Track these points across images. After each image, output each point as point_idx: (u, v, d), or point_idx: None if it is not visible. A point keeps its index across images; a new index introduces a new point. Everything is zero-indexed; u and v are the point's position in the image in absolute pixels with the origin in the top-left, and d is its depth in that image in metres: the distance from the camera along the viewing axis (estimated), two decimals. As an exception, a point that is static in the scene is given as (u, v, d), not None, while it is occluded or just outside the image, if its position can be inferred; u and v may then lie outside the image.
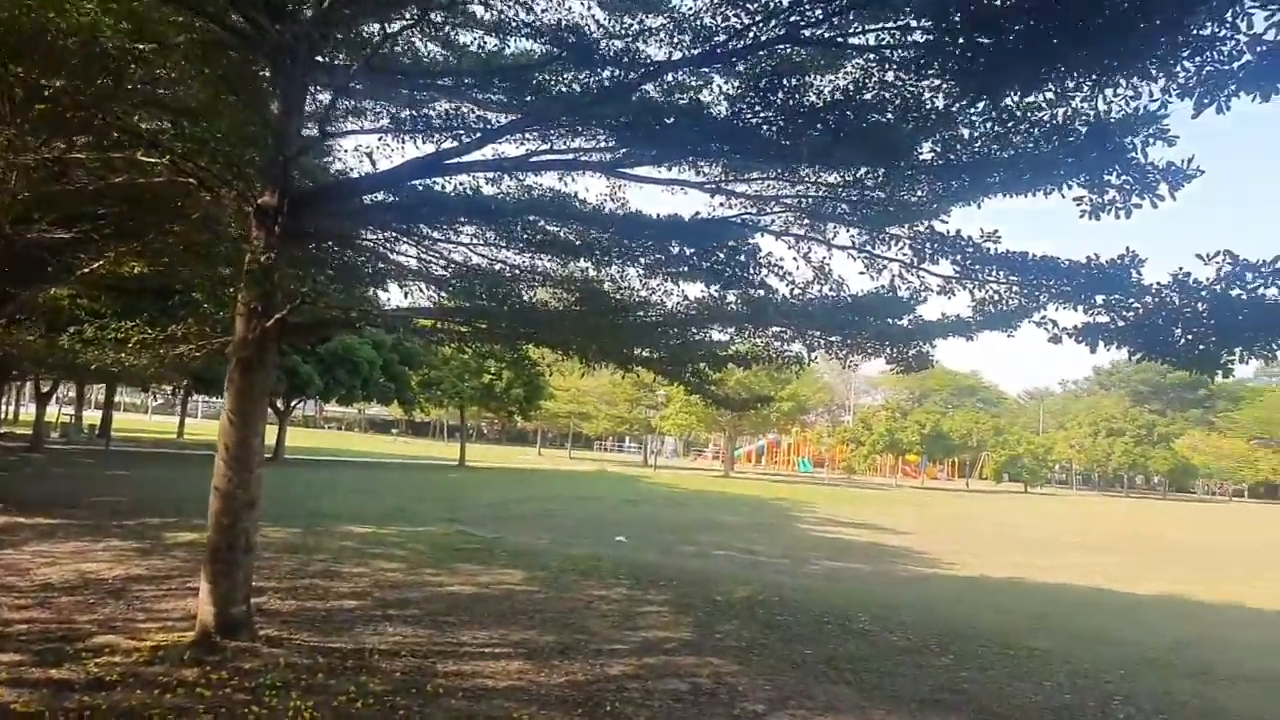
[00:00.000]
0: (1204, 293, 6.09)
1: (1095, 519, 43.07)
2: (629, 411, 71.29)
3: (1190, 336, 6.32)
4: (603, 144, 8.92)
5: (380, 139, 9.26)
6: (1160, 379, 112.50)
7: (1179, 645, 11.03)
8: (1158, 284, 6.95)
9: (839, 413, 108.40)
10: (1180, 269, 6.86)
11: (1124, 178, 6.30)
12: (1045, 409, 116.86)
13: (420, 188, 9.43)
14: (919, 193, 8.57)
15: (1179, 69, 5.30)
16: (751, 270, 8.70)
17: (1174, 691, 8.50)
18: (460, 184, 9.49)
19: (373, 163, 9.34)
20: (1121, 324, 6.80)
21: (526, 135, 8.86)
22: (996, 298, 8.00)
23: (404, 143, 9.11)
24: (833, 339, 10.04)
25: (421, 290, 11.14)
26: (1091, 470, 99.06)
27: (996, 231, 7.57)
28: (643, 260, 9.55)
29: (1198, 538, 33.90)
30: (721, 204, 9.23)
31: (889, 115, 7.57)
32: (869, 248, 8.80)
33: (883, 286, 8.85)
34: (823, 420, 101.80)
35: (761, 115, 7.83)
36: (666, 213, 8.80)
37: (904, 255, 8.53)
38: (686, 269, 9.27)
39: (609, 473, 52.43)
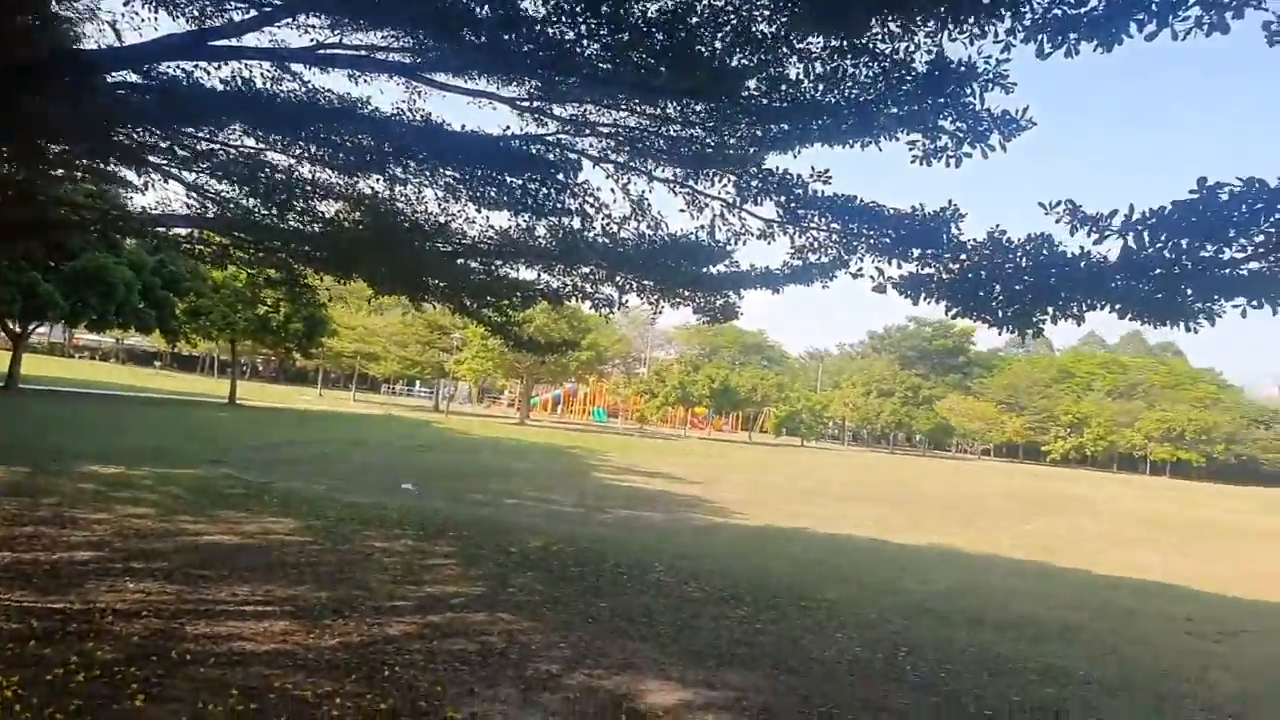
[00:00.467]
0: (1028, 248, 6.04)
1: (868, 473, 46.09)
2: (421, 354, 68.81)
3: (1006, 294, 6.27)
4: (402, 43, 7.86)
5: (127, 4, 7.70)
6: (926, 345, 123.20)
7: (952, 594, 11.58)
8: (974, 240, 6.92)
9: (634, 365, 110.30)
10: (996, 226, 6.85)
11: (958, 124, 6.13)
12: (823, 369, 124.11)
13: (181, 77, 8.00)
14: (739, 133, 8.18)
15: (1027, 9, 5.08)
16: (564, 198, 8.01)
17: (953, 640, 8.78)
18: (234, 73, 8.15)
19: (117, 35, 7.76)
20: (947, 277, 6.69)
21: (312, 22, 7.65)
22: (816, 245, 7.76)
23: (156, 13, 7.60)
24: (646, 282, 9.58)
25: (181, 197, 9.63)
26: (862, 427, 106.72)
27: (827, 171, 7.28)
28: (443, 180, 8.63)
29: (956, 492, 36.93)
30: (536, 123, 8.45)
31: (717, 44, 7.09)
32: (691, 182, 8.31)
33: (702, 227, 8.42)
34: (619, 371, 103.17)
35: (582, 29, 7.13)
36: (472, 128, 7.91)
37: (727, 193, 8.12)
38: (492, 193, 8.46)
39: (397, 417, 50.46)
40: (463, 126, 7.70)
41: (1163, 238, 4.85)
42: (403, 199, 9.26)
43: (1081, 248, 5.54)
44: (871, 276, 7.16)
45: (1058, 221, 5.27)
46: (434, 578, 9.38)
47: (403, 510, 13.66)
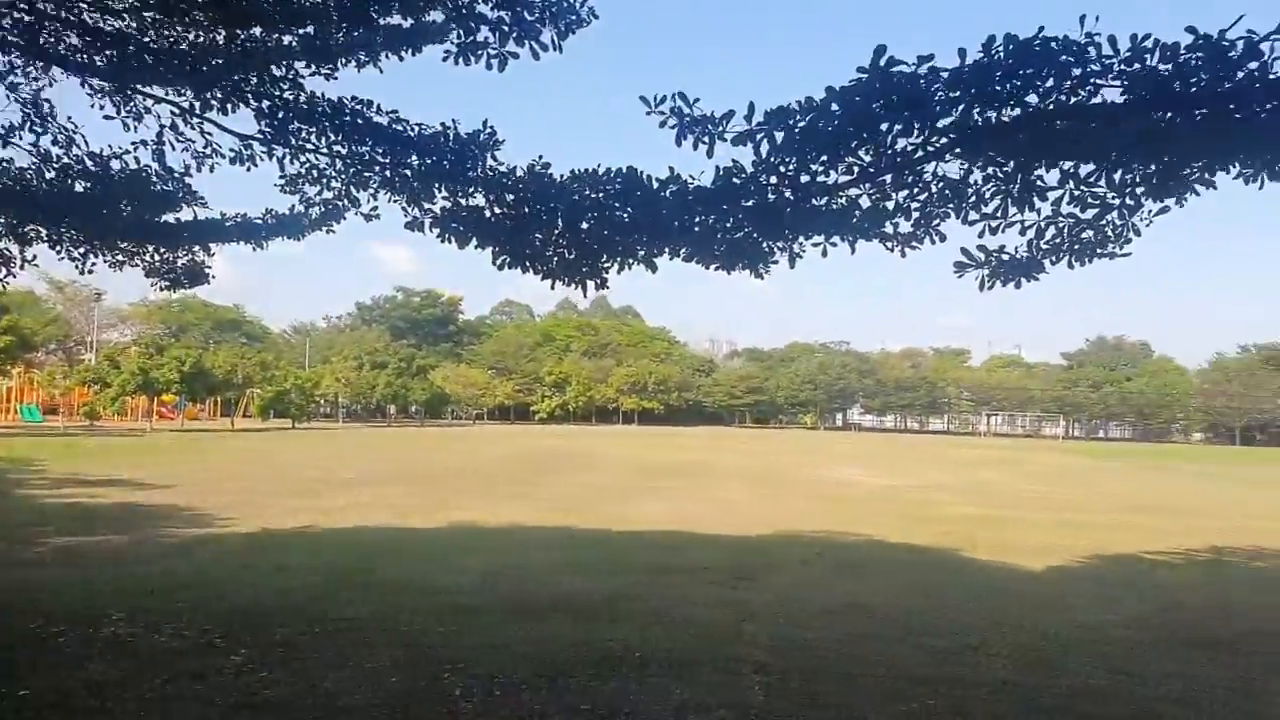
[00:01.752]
0: (577, 181, 4.87)
1: (370, 450, 43.94)
2: None
3: (568, 239, 5.08)
4: None
5: None
6: (416, 314, 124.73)
7: (488, 581, 10.52)
8: (517, 175, 5.68)
9: (78, 350, 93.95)
10: (539, 157, 5.66)
11: (500, 13, 4.76)
12: (311, 344, 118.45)
13: None
14: (175, 36, 5.97)
15: None
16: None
17: (502, 640, 7.65)
18: None
19: None
20: (499, 212, 5.28)
21: None
22: (315, 174, 5.87)
23: None
24: (65, 231, 6.78)
25: None
26: (357, 402, 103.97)
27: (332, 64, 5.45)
28: None
29: (463, 461, 36.60)
30: None
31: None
32: (124, 83, 5.84)
33: (144, 143, 5.99)
34: (56, 359, 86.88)
35: None
36: None
37: (181, 95, 5.81)
38: None
39: None
40: None
41: (787, 156, 3.99)
42: None
43: (672, 169, 4.56)
44: (404, 209, 5.53)
45: (662, 125, 4.20)
46: None
47: None
